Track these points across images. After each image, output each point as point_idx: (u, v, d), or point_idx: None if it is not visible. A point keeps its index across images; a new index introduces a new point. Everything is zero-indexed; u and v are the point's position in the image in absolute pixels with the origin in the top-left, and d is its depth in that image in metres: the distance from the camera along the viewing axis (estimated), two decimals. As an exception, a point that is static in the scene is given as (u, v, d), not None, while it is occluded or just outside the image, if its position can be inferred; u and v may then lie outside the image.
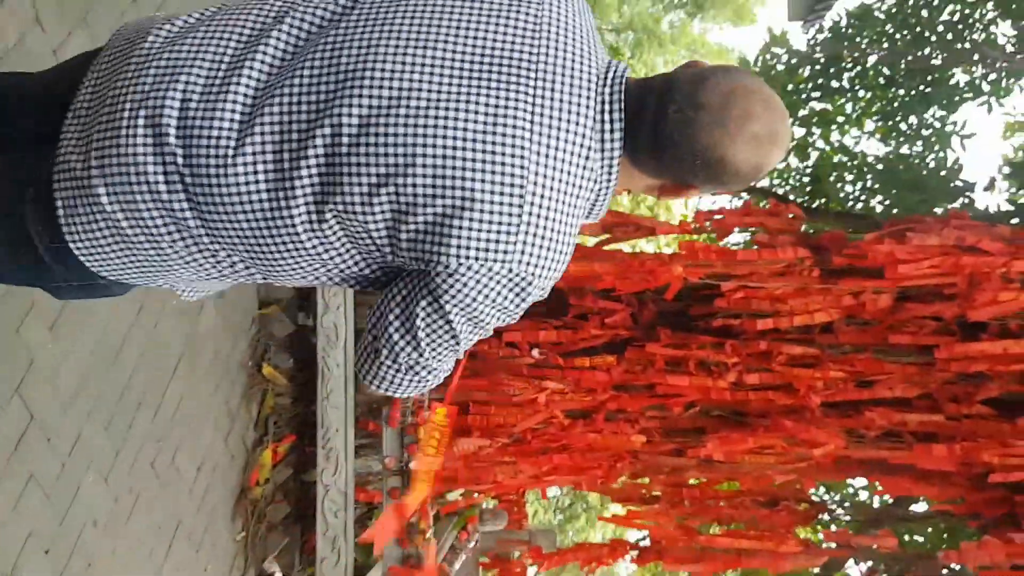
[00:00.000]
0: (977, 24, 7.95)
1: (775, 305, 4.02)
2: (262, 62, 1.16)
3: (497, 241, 1.10)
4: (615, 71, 1.20)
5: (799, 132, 8.43)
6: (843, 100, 8.64)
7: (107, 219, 1.17)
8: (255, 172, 1.12)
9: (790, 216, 4.15)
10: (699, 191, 1.24)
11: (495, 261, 1.11)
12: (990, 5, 7.72)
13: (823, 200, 7.54)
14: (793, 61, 8.40)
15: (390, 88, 1.10)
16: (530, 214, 1.11)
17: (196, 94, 1.14)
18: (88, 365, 2.86)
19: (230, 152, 1.12)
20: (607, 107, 1.17)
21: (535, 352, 4.21)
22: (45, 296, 2.56)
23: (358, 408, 4.23)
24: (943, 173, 7.11)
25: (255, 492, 3.98)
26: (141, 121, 1.13)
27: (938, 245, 3.73)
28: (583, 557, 4.84)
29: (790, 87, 8.36)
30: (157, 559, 3.29)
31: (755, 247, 4.09)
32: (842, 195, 7.84)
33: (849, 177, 7.66)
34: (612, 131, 1.16)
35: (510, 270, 1.12)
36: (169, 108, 1.13)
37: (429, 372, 1.25)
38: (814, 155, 8.31)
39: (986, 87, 7.83)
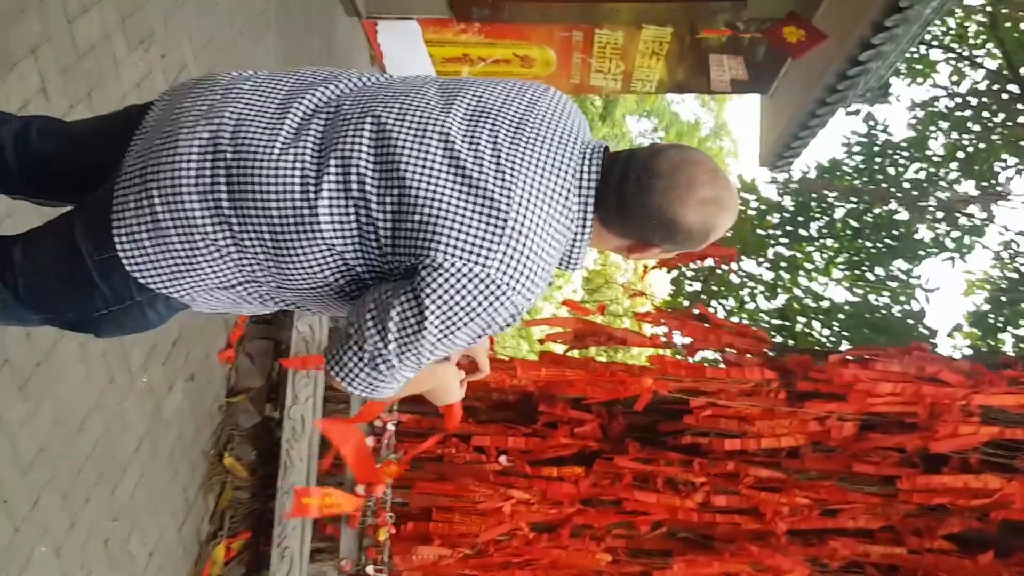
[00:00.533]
0: (941, 183, 8.40)
1: (743, 426, 4.07)
2: (309, 100, 1.42)
3: (481, 246, 1.25)
4: (596, 142, 1.42)
5: (768, 275, 8.71)
6: (811, 248, 8.99)
7: (151, 213, 1.36)
8: (294, 167, 1.34)
9: (756, 340, 4.26)
10: (661, 250, 1.41)
11: (476, 263, 1.25)
12: (953, 165, 8.20)
13: (792, 341, 7.72)
14: (763, 208, 8.78)
15: (412, 109, 1.37)
16: (513, 229, 1.26)
17: (253, 112, 1.39)
18: (51, 432, 2.82)
19: (276, 150, 1.35)
20: (586, 163, 1.37)
21: (503, 458, 4.19)
22: (20, 355, 2.58)
23: (319, 508, 4.14)
24: (909, 321, 7.34)
25: (204, 588, 3.84)
26: (203, 123, 1.37)
27: (900, 372, 3.83)
28: None
29: (759, 232, 8.69)
30: (97, 646, 3.14)
31: (723, 366, 4.17)
32: (810, 337, 8.03)
33: (816, 319, 7.87)
34: (589, 183, 1.36)
35: (488, 275, 1.25)
36: (229, 117, 1.38)
37: (388, 369, 1.33)
38: (782, 298, 8.55)
39: (950, 243, 8.21)
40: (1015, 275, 7.46)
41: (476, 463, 4.26)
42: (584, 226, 1.36)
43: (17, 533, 2.67)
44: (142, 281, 1.42)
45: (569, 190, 1.33)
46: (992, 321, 6.86)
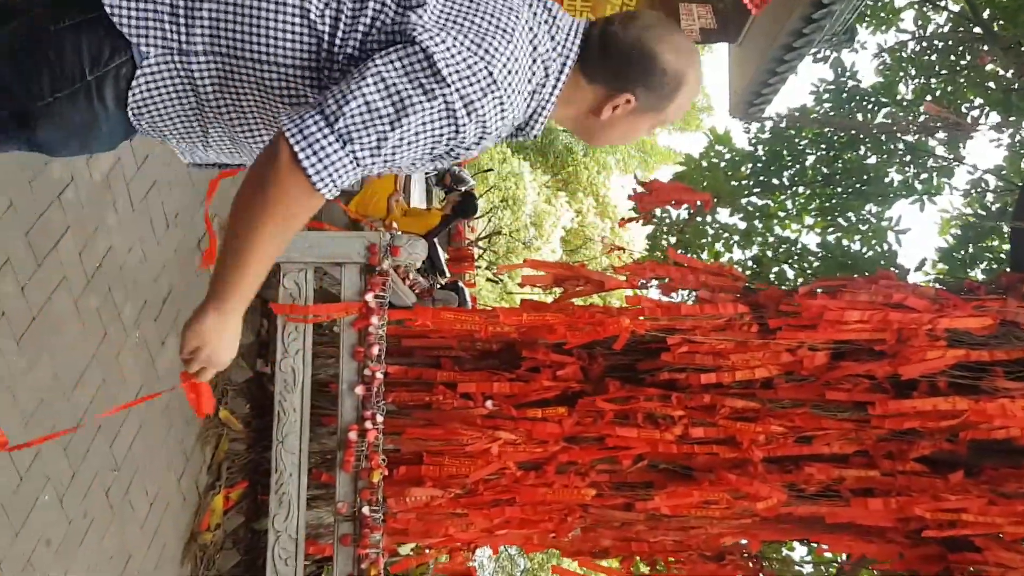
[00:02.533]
0: (911, 126, 8.52)
1: (718, 360, 4.21)
2: None
3: (444, 26, 1.34)
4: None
5: (741, 224, 8.84)
6: (783, 196, 9.12)
7: None
8: None
9: (732, 278, 4.40)
10: (633, 102, 1.47)
11: (437, 38, 1.31)
12: (922, 108, 8.32)
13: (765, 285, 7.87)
14: (736, 159, 8.89)
15: None
16: (477, 24, 1.36)
17: None
18: (50, 384, 2.92)
19: None
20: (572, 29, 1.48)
21: (489, 403, 4.32)
22: (15, 307, 2.66)
23: (312, 458, 4.27)
24: (881, 263, 7.51)
25: (205, 537, 3.96)
26: None
27: (868, 300, 3.98)
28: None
29: (733, 183, 8.80)
30: (105, 590, 3.27)
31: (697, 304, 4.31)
32: (783, 285, 8.18)
33: (790, 266, 8.03)
34: (573, 40, 1.46)
35: (432, 50, 1.30)
36: None
37: (342, 142, 1.28)
38: (755, 248, 8.69)
39: (919, 186, 8.36)
40: (983, 212, 7.63)
41: (463, 409, 4.38)
42: (559, 78, 1.44)
43: (22, 482, 2.77)
44: (120, 27, 1.37)
45: (543, 29, 1.43)
46: (959, 257, 7.04)
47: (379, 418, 4.10)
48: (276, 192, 1.28)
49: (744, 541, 4.73)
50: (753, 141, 8.85)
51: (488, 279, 15.56)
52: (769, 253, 8.35)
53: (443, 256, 8.97)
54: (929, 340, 4.04)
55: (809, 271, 7.92)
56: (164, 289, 3.72)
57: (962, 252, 7.13)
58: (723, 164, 8.79)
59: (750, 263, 7.93)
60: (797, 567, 5.77)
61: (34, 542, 2.82)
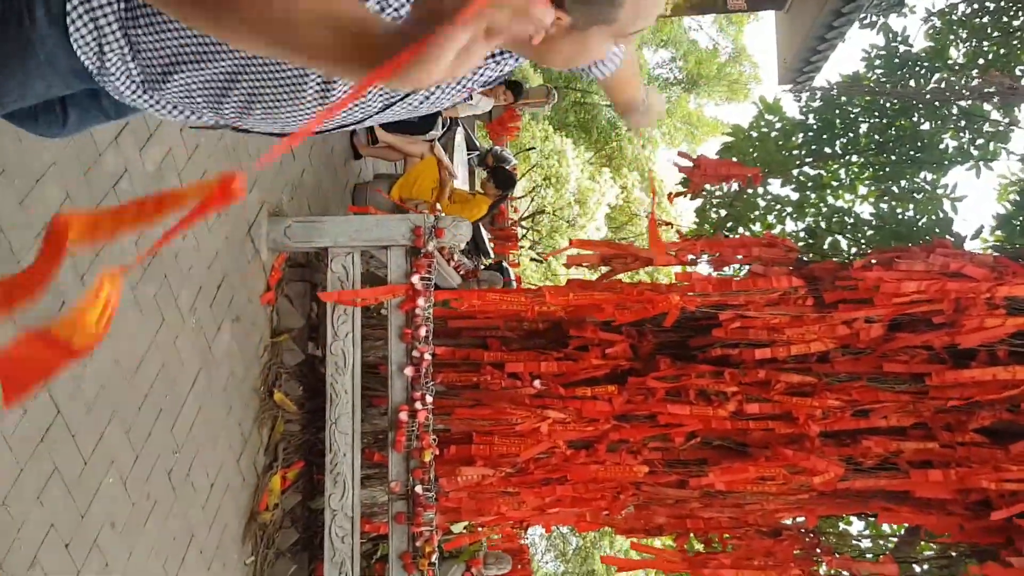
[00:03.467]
0: (964, 91, 8.27)
1: (772, 335, 4.16)
2: None
3: None
4: None
5: (793, 195, 8.69)
6: (836, 166, 8.93)
7: None
8: None
9: (785, 250, 4.33)
10: (563, 20, 1.16)
11: None
12: (975, 72, 8.07)
13: (818, 257, 7.73)
14: (787, 128, 8.72)
15: None
16: None
17: None
18: (111, 371, 2.99)
19: None
20: None
21: (537, 383, 4.32)
22: (74, 298, 2.72)
23: (364, 438, 4.33)
24: (936, 230, 7.32)
25: (264, 516, 4.04)
26: None
27: (924, 271, 3.89)
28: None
29: (784, 153, 8.65)
30: (171, 569, 3.35)
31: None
32: (837, 256, 8.03)
33: (843, 236, 7.87)
34: None
35: None
36: None
37: None
38: (809, 218, 8.53)
39: (974, 152, 8.12)
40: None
41: (511, 389, 4.39)
42: None
43: (86, 466, 2.85)
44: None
45: None
46: (1017, 224, 6.83)
47: (428, 398, 4.13)
48: None
49: (801, 517, 4.68)
50: (804, 110, 8.66)
51: (532, 259, 15.55)
52: (823, 224, 8.18)
53: (487, 237, 8.98)
54: (988, 309, 3.93)
55: (863, 241, 7.76)
56: (218, 275, 3.78)
57: (1021, 218, 6.91)
58: (773, 134, 8.62)
59: (803, 235, 7.79)
60: (855, 541, 5.70)
61: (100, 524, 2.91)
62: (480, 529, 4.78)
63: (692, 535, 4.65)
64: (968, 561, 4.46)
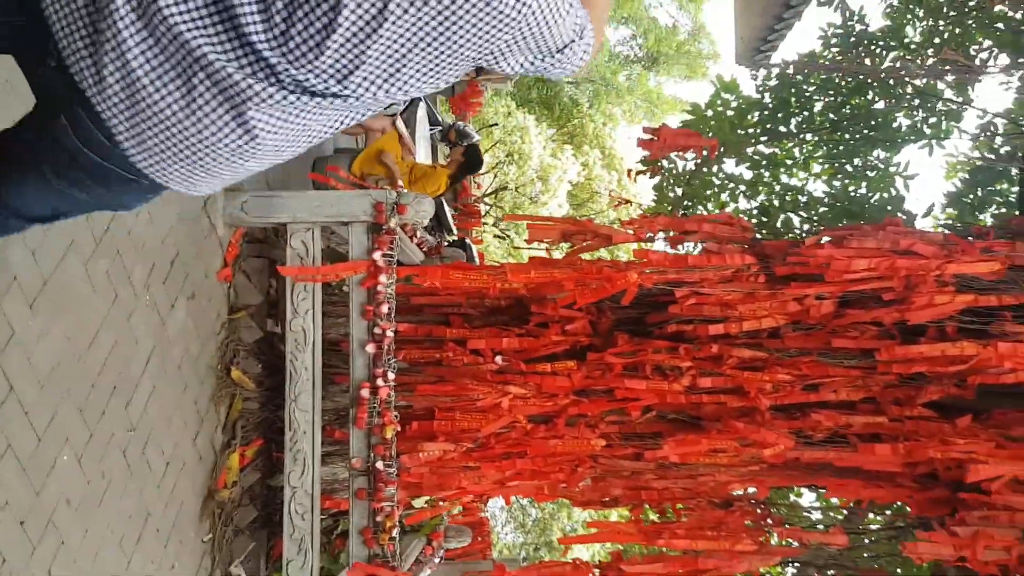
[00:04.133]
0: (919, 70, 8.41)
1: (725, 311, 4.23)
2: None
3: None
4: None
5: (748, 174, 8.79)
6: (791, 144, 9.04)
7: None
8: None
9: (740, 229, 4.39)
10: None
11: None
12: (930, 51, 8.20)
13: (771, 235, 7.85)
14: (743, 107, 8.79)
15: None
16: None
17: None
18: (64, 347, 2.96)
19: None
20: None
21: (498, 359, 4.36)
22: (27, 272, 2.69)
23: (325, 415, 4.33)
24: (888, 208, 7.47)
25: (222, 494, 4.04)
26: None
27: (875, 248, 3.98)
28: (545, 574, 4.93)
29: (739, 132, 8.73)
30: (127, 548, 3.34)
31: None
32: (790, 233, 8.16)
33: (796, 214, 7.99)
34: None
35: None
36: None
37: None
38: (762, 197, 8.65)
39: (927, 130, 8.27)
40: (991, 156, 7.55)
41: (473, 365, 4.43)
42: None
43: (40, 443, 2.82)
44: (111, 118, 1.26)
45: None
46: (968, 202, 7.00)
47: (390, 375, 4.14)
48: None
49: (752, 488, 4.79)
50: (760, 89, 8.74)
51: (496, 235, 15.56)
52: (776, 202, 8.30)
53: (450, 213, 8.95)
54: (937, 286, 4.04)
55: (816, 219, 7.89)
56: (171, 252, 3.74)
57: (971, 196, 7.08)
58: (729, 113, 8.70)
59: (756, 213, 7.90)
60: (805, 513, 5.86)
61: (55, 502, 2.88)
62: (441, 503, 4.82)
63: (647, 506, 4.74)
64: (915, 531, 4.60)
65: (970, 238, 4.40)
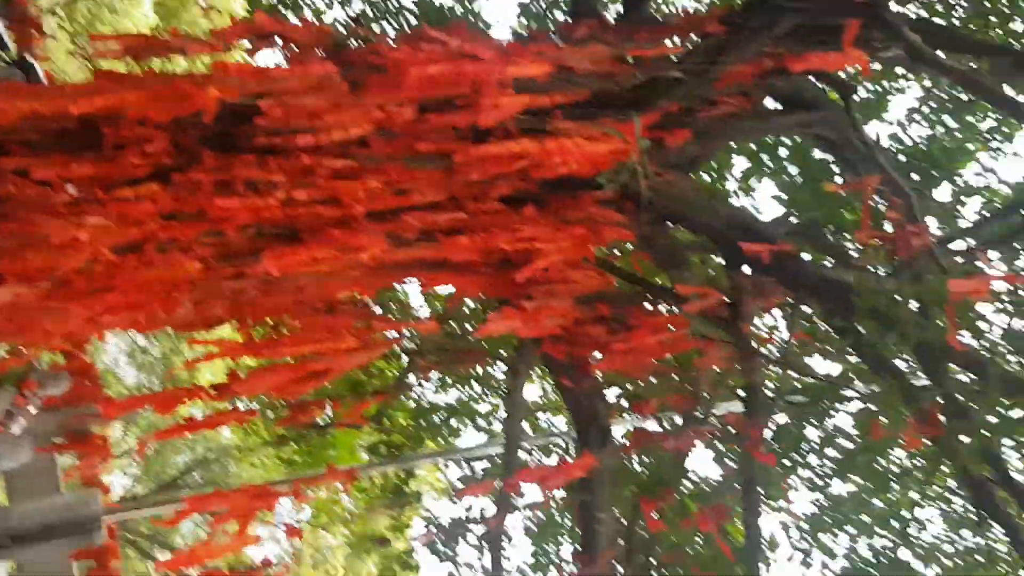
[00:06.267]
0: None
1: (313, 121, 4.25)
2: None
3: None
4: None
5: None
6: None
7: None
8: None
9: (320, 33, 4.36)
10: None
11: None
12: None
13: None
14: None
15: None
16: None
17: None
18: None
19: None
20: None
21: (70, 188, 4.00)
22: None
23: None
24: (470, 17, 7.83)
25: None
26: None
27: (445, 51, 4.21)
28: (152, 401, 4.89)
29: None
30: None
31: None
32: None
33: (387, 22, 8.10)
34: None
35: None
36: None
37: None
38: (357, 5, 8.61)
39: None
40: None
41: (41, 198, 4.02)
42: None
43: None
44: None
45: None
46: (535, 11, 7.57)
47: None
48: None
49: (358, 292, 5.09)
50: None
51: (69, 52, 13.76)
52: (369, 12, 8.31)
53: (3, 27, 7.71)
54: (500, 89, 4.41)
55: (407, 29, 8.06)
56: None
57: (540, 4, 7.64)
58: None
59: (348, 22, 7.87)
60: (413, 310, 6.40)
61: None
62: (26, 351, 4.47)
63: (254, 323, 4.82)
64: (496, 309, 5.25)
65: (536, 40, 4.82)
